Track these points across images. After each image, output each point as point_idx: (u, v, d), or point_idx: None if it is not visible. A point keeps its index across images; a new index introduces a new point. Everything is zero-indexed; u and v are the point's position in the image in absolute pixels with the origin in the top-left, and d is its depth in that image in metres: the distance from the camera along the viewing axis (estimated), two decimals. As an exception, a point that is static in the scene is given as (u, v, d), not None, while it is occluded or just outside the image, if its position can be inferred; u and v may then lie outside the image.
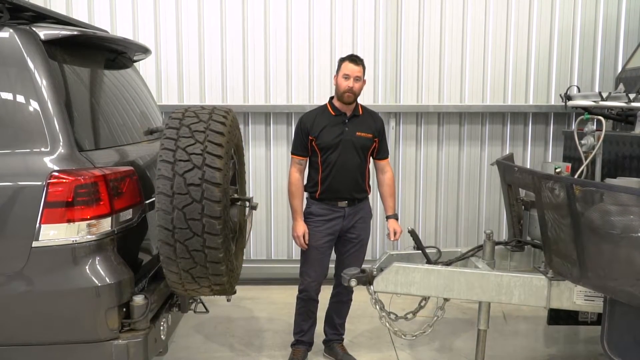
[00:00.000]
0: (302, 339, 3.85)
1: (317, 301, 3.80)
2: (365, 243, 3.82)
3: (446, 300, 3.28)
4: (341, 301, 3.90)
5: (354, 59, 3.58)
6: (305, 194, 3.76)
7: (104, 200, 2.44)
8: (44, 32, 2.52)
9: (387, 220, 3.82)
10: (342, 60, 3.62)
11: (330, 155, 3.59)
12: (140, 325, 2.52)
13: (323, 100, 5.37)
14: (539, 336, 4.48)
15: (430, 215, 5.68)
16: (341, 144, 3.59)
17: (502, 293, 3.09)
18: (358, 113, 3.68)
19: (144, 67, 5.13)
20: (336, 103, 3.66)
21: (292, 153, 3.70)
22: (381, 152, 3.80)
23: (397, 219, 3.81)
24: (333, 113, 3.65)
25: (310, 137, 3.60)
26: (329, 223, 3.65)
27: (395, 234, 3.74)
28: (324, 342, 3.99)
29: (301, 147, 3.65)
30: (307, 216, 3.69)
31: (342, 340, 3.99)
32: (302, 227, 3.64)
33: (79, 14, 5.21)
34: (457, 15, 5.42)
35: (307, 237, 3.63)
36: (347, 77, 3.54)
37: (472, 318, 4.48)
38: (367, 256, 5.46)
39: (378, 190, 3.89)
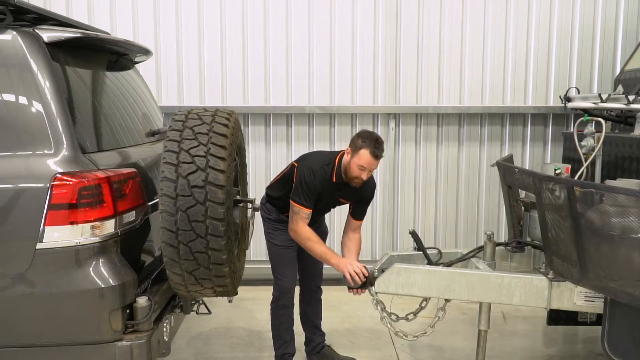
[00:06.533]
0: (287, 351, 3.67)
1: (294, 305, 3.64)
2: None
3: (447, 301, 3.30)
4: (314, 299, 3.83)
5: (377, 154, 3.19)
6: (269, 205, 3.57)
7: (108, 202, 2.45)
8: (47, 34, 2.53)
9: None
10: (363, 146, 3.17)
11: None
12: (144, 327, 2.53)
13: (322, 100, 5.46)
14: (538, 336, 4.49)
15: (430, 216, 5.69)
16: (323, 201, 3.44)
17: (502, 294, 3.10)
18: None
19: (144, 67, 5.10)
20: (343, 175, 3.36)
21: (302, 205, 3.29)
22: (357, 214, 3.56)
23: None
24: (335, 180, 3.37)
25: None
26: None
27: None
28: (312, 349, 3.87)
29: (312, 201, 3.34)
30: (269, 221, 3.53)
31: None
32: (346, 260, 3.32)
33: (79, 15, 5.20)
34: (456, 16, 5.43)
35: (360, 268, 3.30)
36: (362, 168, 3.21)
37: (472, 318, 4.50)
38: (367, 257, 5.54)
39: (342, 242, 3.61)
